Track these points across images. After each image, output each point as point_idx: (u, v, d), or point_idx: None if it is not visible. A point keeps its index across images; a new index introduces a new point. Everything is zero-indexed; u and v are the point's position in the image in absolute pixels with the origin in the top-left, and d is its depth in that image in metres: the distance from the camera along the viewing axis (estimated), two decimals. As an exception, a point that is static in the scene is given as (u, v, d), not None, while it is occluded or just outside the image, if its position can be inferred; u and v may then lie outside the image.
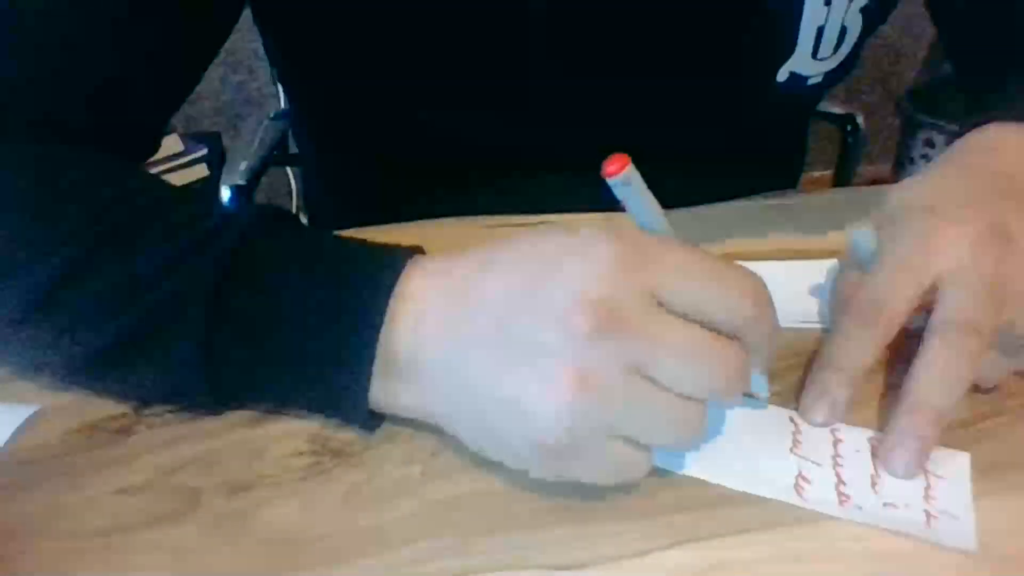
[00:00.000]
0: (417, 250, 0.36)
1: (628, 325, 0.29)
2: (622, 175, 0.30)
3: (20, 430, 0.36)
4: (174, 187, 0.40)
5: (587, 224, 0.32)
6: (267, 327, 0.33)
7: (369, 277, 0.33)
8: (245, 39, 1.49)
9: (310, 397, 0.35)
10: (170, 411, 0.37)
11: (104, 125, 0.44)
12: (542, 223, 0.53)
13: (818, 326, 0.43)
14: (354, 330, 0.33)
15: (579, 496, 0.32)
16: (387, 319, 0.32)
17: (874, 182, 1.94)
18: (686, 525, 0.31)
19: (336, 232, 0.38)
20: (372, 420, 0.35)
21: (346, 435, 0.35)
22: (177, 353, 0.34)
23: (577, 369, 0.29)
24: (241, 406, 0.37)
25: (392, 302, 0.33)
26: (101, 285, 0.35)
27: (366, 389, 0.33)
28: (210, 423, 0.36)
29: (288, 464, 0.34)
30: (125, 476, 0.34)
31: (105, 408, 0.37)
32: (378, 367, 0.33)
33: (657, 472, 0.33)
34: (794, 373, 0.39)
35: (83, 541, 0.31)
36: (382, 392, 0.33)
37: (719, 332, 0.30)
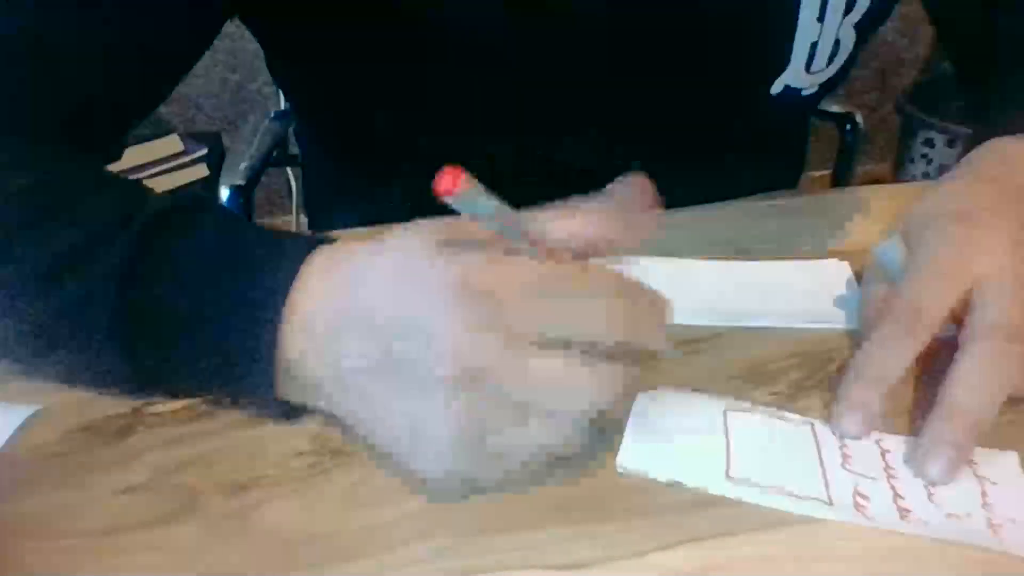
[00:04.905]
0: (325, 240, 0.35)
1: (493, 371, 0.29)
2: (458, 193, 0.27)
3: (20, 430, 0.36)
4: (101, 172, 0.40)
5: (439, 252, 0.31)
6: (171, 321, 0.34)
7: (265, 282, 0.33)
8: (245, 39, 1.49)
9: (223, 390, 0.36)
10: (170, 411, 0.37)
11: (55, 125, 0.43)
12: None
13: (818, 326, 0.43)
14: (250, 334, 0.33)
15: (579, 496, 0.32)
16: (282, 321, 0.33)
17: (874, 182, 1.94)
18: (686, 525, 0.31)
19: (260, 223, 0.38)
20: (293, 410, 0.35)
21: (346, 435, 0.35)
22: (93, 340, 0.34)
23: (452, 412, 0.29)
24: (187, 393, 0.37)
25: (285, 308, 0.33)
26: (16, 269, 0.35)
27: (271, 388, 0.34)
28: (210, 423, 0.36)
29: (288, 464, 0.34)
30: (125, 476, 0.34)
31: (105, 408, 0.37)
32: (278, 366, 0.33)
33: (659, 477, 0.33)
34: (795, 373, 0.39)
35: (83, 541, 0.31)
36: (287, 389, 0.34)
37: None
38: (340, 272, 0.33)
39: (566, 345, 0.30)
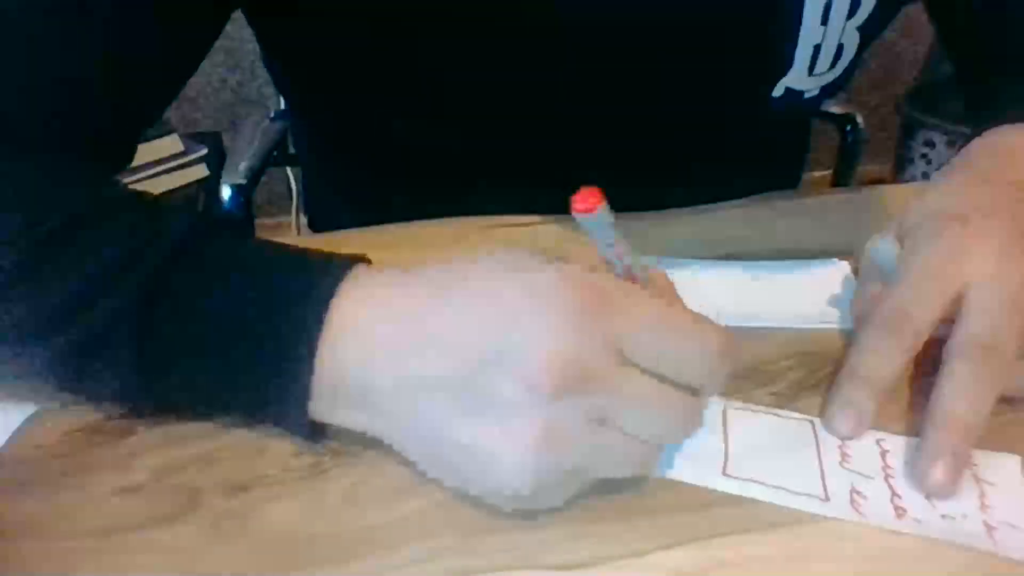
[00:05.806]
0: (358, 259, 0.34)
1: (591, 382, 0.29)
2: (594, 214, 0.28)
3: (20, 430, 0.36)
4: (119, 190, 0.39)
5: (543, 262, 0.31)
6: (198, 351, 0.33)
7: (299, 302, 0.32)
8: (245, 39, 1.49)
9: (251, 418, 0.35)
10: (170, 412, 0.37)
11: (63, 133, 0.42)
12: (540, 224, 0.53)
13: (818, 326, 0.43)
14: (284, 359, 0.32)
15: (579, 496, 0.32)
16: (325, 346, 0.32)
17: (874, 182, 1.94)
18: (686, 525, 0.31)
19: (282, 241, 0.36)
20: (317, 436, 0.34)
21: (346, 435, 0.35)
22: (116, 372, 0.33)
23: (540, 424, 0.29)
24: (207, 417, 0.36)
25: (326, 330, 0.32)
26: (36, 299, 0.33)
27: (303, 419, 0.33)
28: (210, 423, 0.36)
29: (288, 464, 0.34)
30: (125, 476, 0.34)
31: (105, 408, 0.37)
32: (321, 391, 0.32)
33: (657, 472, 0.33)
34: (794, 373, 0.39)
35: (83, 541, 0.31)
36: (328, 415, 0.33)
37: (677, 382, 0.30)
38: (399, 291, 0.32)
39: (654, 374, 0.30)
